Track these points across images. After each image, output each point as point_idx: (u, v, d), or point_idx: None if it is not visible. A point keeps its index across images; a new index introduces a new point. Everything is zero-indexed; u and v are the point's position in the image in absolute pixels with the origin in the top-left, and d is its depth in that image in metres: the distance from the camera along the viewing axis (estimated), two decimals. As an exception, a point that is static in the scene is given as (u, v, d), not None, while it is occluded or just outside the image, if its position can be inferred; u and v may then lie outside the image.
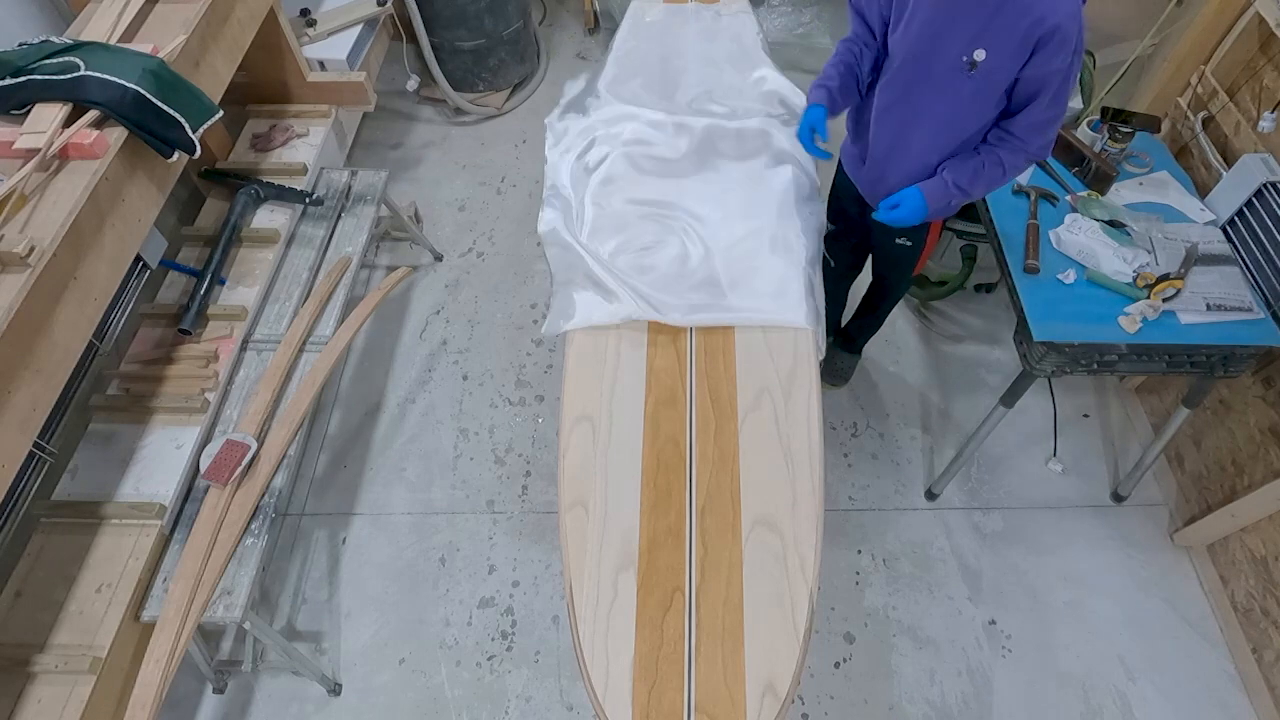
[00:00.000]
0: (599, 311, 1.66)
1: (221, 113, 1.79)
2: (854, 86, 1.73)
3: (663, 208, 1.82)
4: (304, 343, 2.03)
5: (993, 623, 2.12)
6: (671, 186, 1.87)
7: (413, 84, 3.12)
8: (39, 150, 1.44)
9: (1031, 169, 2.08)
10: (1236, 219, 1.94)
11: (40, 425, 1.41)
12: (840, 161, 2.00)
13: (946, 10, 1.47)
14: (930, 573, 2.20)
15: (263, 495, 1.75)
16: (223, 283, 2.07)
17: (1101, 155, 2.04)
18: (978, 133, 1.63)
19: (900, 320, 2.76)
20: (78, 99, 1.52)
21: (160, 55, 1.67)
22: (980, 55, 1.47)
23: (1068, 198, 2.01)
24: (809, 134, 1.73)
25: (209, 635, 1.99)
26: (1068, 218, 1.94)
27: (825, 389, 2.48)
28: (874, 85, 1.72)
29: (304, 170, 2.31)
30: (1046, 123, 1.55)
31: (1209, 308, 1.77)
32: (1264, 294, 1.83)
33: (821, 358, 1.70)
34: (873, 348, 2.63)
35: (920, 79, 1.59)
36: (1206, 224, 1.96)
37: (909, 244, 1.97)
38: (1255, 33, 2.03)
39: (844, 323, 2.54)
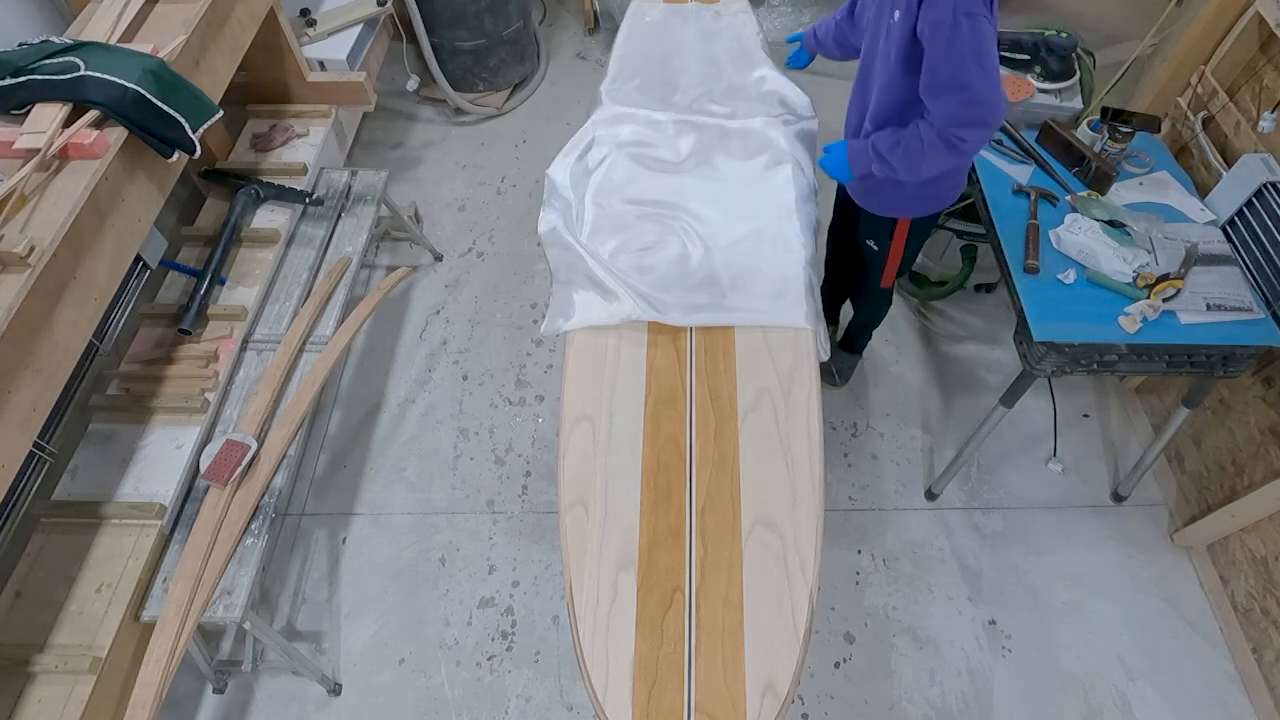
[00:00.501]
0: (599, 311, 1.65)
1: (221, 113, 1.79)
2: (832, 39, 1.98)
3: (663, 208, 1.82)
4: (304, 343, 2.03)
5: (993, 623, 2.12)
6: (671, 187, 1.87)
7: (413, 84, 3.12)
8: (39, 150, 1.44)
9: (1031, 170, 2.08)
10: (1236, 219, 1.94)
11: (40, 425, 1.41)
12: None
13: None
14: (930, 573, 2.20)
15: (263, 495, 1.75)
16: (223, 283, 2.07)
17: (1101, 155, 2.04)
18: (909, 104, 1.64)
19: (900, 320, 2.76)
20: (78, 99, 1.52)
21: (160, 55, 1.67)
22: (896, 15, 1.53)
23: (1068, 198, 2.01)
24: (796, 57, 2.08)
25: (209, 635, 1.99)
26: (1068, 218, 1.94)
27: (824, 388, 2.48)
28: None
29: (304, 170, 2.31)
30: (938, 88, 1.51)
31: (1209, 308, 1.77)
32: (1264, 294, 1.83)
33: (825, 358, 1.70)
34: (873, 348, 2.63)
35: (870, 52, 1.70)
36: (1206, 224, 1.96)
37: (875, 248, 2.03)
38: (1255, 33, 2.03)
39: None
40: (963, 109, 1.51)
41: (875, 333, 2.61)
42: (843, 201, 2.14)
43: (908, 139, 1.62)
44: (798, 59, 2.16)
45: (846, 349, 2.55)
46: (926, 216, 1.92)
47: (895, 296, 2.41)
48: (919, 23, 1.47)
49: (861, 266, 2.18)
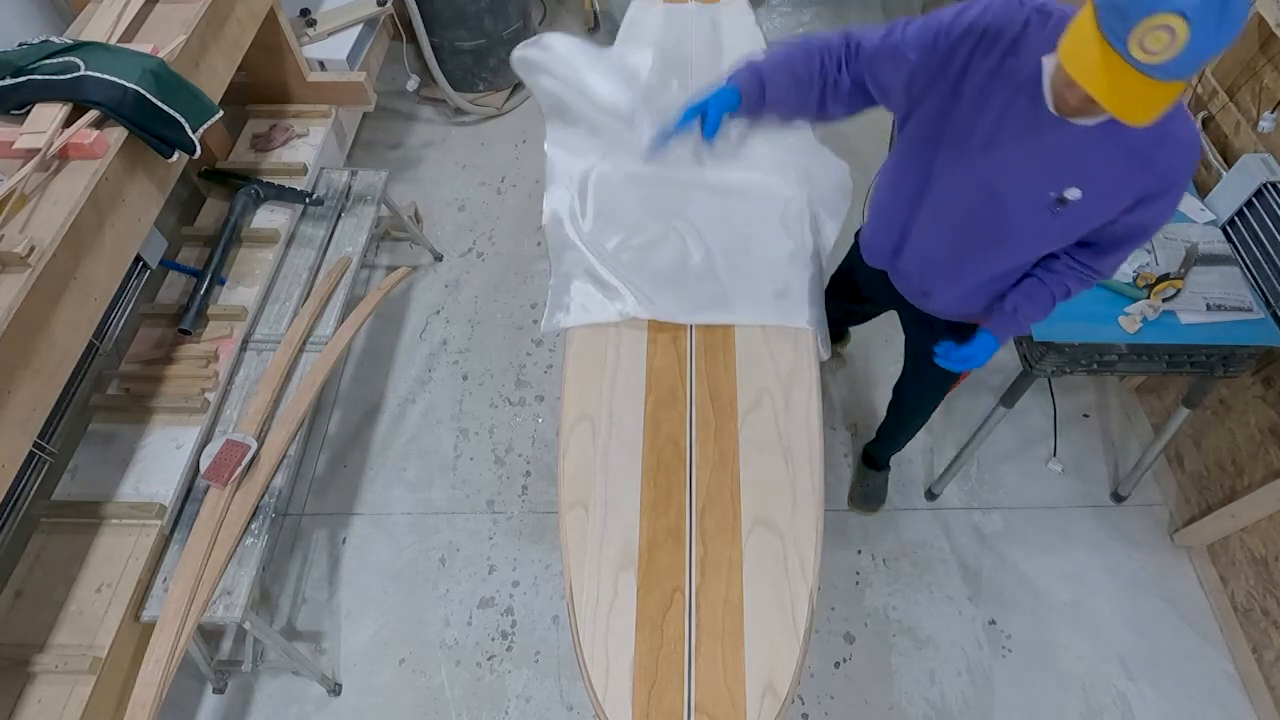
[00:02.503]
0: (598, 307, 1.66)
1: (221, 113, 1.78)
2: (795, 101, 1.37)
3: (665, 206, 1.82)
4: (304, 343, 2.03)
5: (993, 623, 2.12)
6: (673, 186, 1.86)
7: (413, 84, 3.12)
8: (39, 150, 1.44)
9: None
10: (1236, 219, 1.94)
11: (40, 425, 1.41)
12: (858, 249, 1.79)
13: (1042, 149, 1.22)
14: (930, 573, 2.20)
15: (263, 495, 1.75)
16: (223, 283, 2.07)
17: (1101, 155, 2.04)
18: (1033, 260, 1.46)
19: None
20: (78, 99, 1.52)
21: (160, 55, 1.67)
22: (1074, 194, 1.24)
23: (1068, 198, 2.00)
24: (692, 116, 1.36)
25: (209, 635, 1.99)
26: (1068, 218, 1.94)
27: (861, 513, 2.30)
28: (906, 180, 1.45)
29: (304, 170, 2.31)
30: (1117, 249, 1.38)
31: (1209, 308, 1.77)
32: (1264, 294, 1.83)
33: (825, 358, 1.70)
34: (873, 348, 2.63)
35: (989, 205, 1.34)
36: (1206, 224, 1.96)
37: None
38: (1255, 33, 2.03)
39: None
40: (1124, 262, 1.44)
41: (875, 331, 2.61)
42: (852, 286, 1.90)
43: (1058, 297, 1.46)
44: (707, 122, 1.38)
45: (872, 466, 2.29)
46: None
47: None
48: (1129, 215, 1.26)
49: (914, 371, 1.91)
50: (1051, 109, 1.17)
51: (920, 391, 1.97)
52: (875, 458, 2.29)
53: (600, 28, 3.78)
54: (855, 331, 2.60)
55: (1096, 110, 1.07)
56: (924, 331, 1.74)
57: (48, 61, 1.55)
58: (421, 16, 2.89)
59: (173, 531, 1.71)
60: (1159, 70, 0.95)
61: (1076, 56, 1.00)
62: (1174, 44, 0.92)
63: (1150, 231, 1.34)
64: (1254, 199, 1.89)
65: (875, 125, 2.85)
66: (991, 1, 1.20)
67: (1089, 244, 1.40)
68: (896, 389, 2.08)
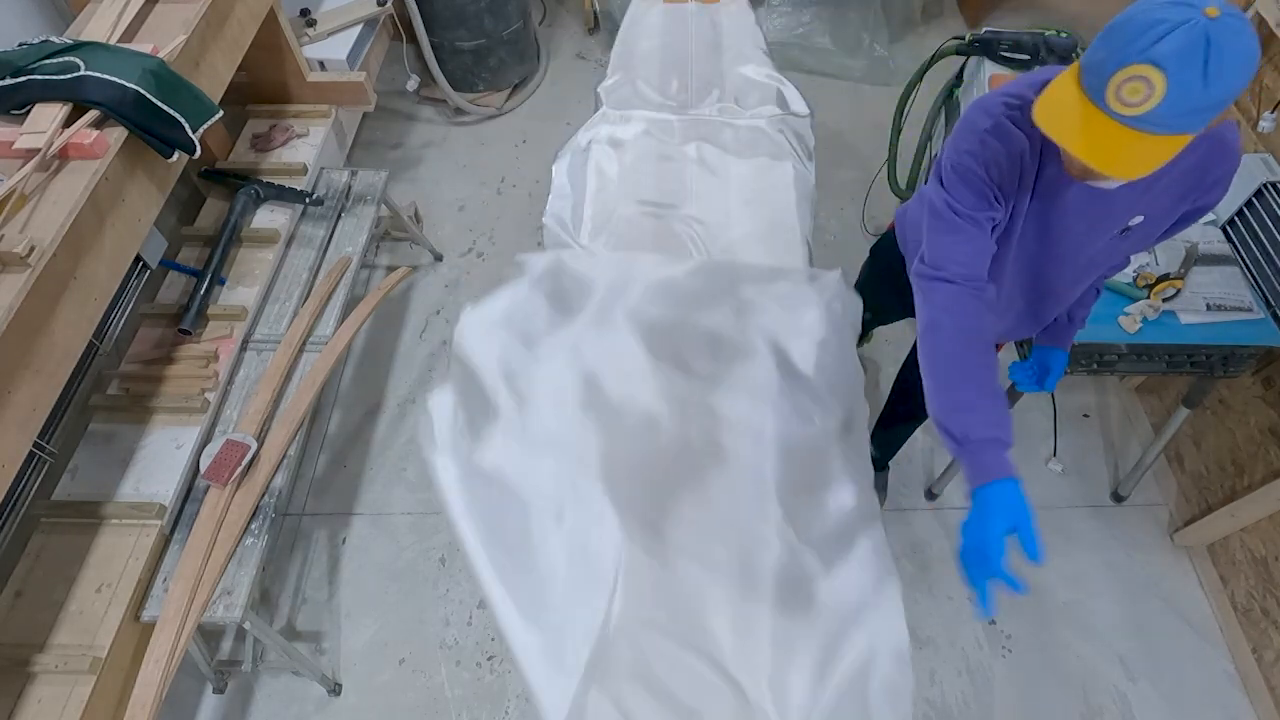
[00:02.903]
0: None
1: (221, 113, 1.78)
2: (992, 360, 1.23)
3: (662, 208, 1.81)
4: (304, 343, 2.02)
5: (993, 623, 2.12)
6: (671, 187, 1.86)
7: (413, 84, 3.12)
8: (39, 150, 1.44)
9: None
10: (1236, 219, 1.94)
11: (40, 425, 1.41)
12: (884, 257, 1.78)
13: (1106, 203, 1.21)
14: (930, 573, 2.20)
15: (263, 495, 1.75)
16: (223, 283, 2.07)
17: (1101, 155, 2.04)
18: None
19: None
20: (78, 99, 1.52)
21: (160, 55, 1.67)
22: (1137, 221, 1.25)
23: (1068, 198, 2.00)
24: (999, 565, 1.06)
25: (209, 635, 1.99)
26: (1068, 218, 1.94)
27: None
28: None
29: (304, 170, 2.31)
30: (1152, 243, 1.39)
31: (1209, 308, 1.77)
32: (1264, 294, 1.83)
33: None
34: (873, 348, 2.63)
35: (1060, 258, 1.33)
36: (1206, 224, 1.96)
37: None
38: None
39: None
40: None
41: (875, 331, 2.61)
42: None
43: (1100, 290, 1.53)
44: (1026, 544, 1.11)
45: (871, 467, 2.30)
46: None
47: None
48: (1188, 218, 1.27)
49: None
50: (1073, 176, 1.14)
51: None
52: (875, 459, 2.29)
53: (600, 28, 3.78)
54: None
55: (1094, 171, 1.02)
56: None
57: (48, 61, 1.55)
58: (421, 16, 2.89)
59: (173, 531, 1.71)
60: (1141, 122, 0.94)
61: (1055, 117, 1.00)
62: (1152, 96, 0.91)
63: (1189, 221, 1.30)
64: (1254, 199, 1.89)
65: (876, 123, 2.85)
66: (968, 146, 1.17)
67: None
68: (900, 390, 2.07)
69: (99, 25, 1.72)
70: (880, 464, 2.29)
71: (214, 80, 1.91)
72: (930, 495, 2.33)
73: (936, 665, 2.04)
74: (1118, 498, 2.34)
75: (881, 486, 2.30)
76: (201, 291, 1.98)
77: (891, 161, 2.65)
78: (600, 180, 1.87)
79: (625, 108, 2.02)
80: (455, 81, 3.24)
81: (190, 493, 1.77)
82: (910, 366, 1.96)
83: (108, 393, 1.86)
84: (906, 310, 1.62)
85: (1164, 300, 1.76)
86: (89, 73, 1.53)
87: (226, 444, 1.75)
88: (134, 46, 1.67)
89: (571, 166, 1.93)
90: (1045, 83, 1.06)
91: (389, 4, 2.70)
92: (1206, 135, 1.11)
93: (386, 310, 2.72)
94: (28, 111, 1.52)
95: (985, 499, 1.06)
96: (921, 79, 2.47)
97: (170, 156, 1.66)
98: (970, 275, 1.18)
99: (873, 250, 1.94)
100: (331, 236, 2.28)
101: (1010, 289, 1.42)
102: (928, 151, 2.54)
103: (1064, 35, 2.18)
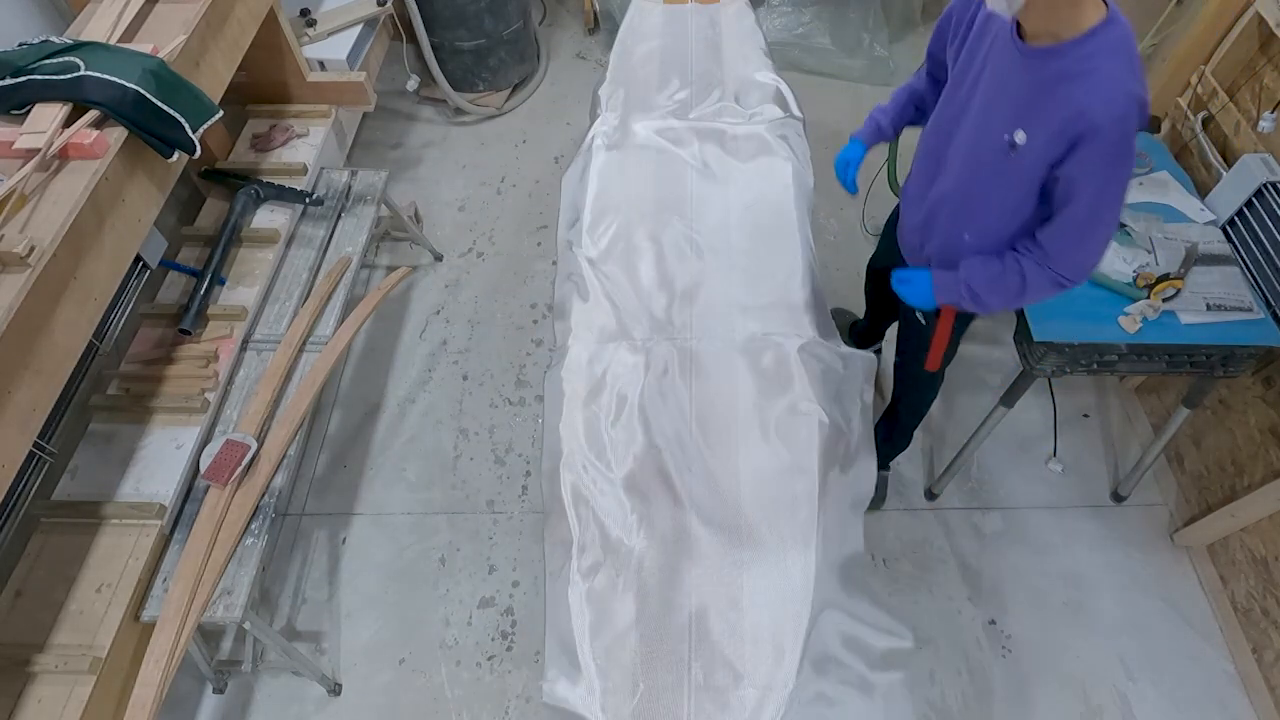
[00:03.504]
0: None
1: (221, 113, 1.78)
2: (912, 111, 1.74)
3: (661, 213, 1.81)
4: (304, 343, 2.02)
5: (993, 623, 2.12)
6: (670, 190, 1.86)
7: (413, 84, 3.12)
8: (39, 150, 1.44)
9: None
10: (1236, 219, 1.94)
11: (40, 425, 1.41)
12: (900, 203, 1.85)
13: (999, 85, 1.34)
14: (930, 573, 2.20)
15: (263, 495, 1.75)
16: (223, 283, 2.07)
17: (1101, 155, 2.04)
18: (1012, 229, 1.47)
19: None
20: (78, 99, 1.52)
21: (160, 55, 1.67)
22: (1020, 138, 1.32)
23: (1068, 198, 2.00)
24: (843, 167, 1.76)
25: (209, 635, 1.99)
26: (1068, 218, 1.94)
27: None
28: (930, 131, 1.59)
29: (304, 170, 2.31)
30: (1076, 239, 1.36)
31: (1209, 308, 1.77)
32: (1264, 294, 1.83)
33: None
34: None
35: (967, 146, 1.45)
36: (1206, 224, 1.96)
37: (922, 321, 1.78)
38: (1255, 33, 2.03)
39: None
40: (1087, 257, 1.38)
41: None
42: (893, 246, 1.89)
43: (1007, 278, 1.45)
44: (850, 166, 1.79)
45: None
46: None
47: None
48: (1064, 166, 1.29)
49: (903, 337, 1.98)
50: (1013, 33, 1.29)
51: (900, 376, 2.06)
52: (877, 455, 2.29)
53: (600, 28, 3.78)
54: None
55: (1031, 21, 1.24)
56: (911, 329, 1.83)
57: (48, 61, 1.54)
58: (421, 16, 2.89)
59: (173, 531, 1.71)
60: None
61: None
62: None
63: (1082, 192, 1.30)
64: (1254, 199, 1.88)
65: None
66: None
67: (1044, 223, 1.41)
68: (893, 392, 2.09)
69: (99, 25, 1.72)
70: (880, 464, 2.28)
71: (214, 80, 1.91)
72: (930, 495, 2.33)
73: (936, 665, 2.04)
74: (1118, 498, 2.34)
75: (881, 485, 2.30)
76: (201, 291, 1.98)
77: (891, 161, 2.65)
78: (601, 183, 1.87)
79: (625, 110, 2.02)
80: (455, 81, 3.24)
81: (190, 493, 1.77)
82: (896, 374, 2.05)
83: (108, 393, 1.86)
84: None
85: (1164, 300, 1.76)
86: (89, 73, 1.53)
87: (226, 444, 1.75)
88: (134, 46, 1.67)
89: (572, 173, 1.93)
90: None
91: (389, 4, 2.70)
92: (1095, 86, 1.20)
93: (386, 310, 2.72)
94: (28, 111, 1.52)
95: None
96: (921, 79, 2.47)
97: (170, 156, 1.66)
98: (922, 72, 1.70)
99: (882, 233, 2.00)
100: (331, 236, 2.28)
101: (921, 161, 1.61)
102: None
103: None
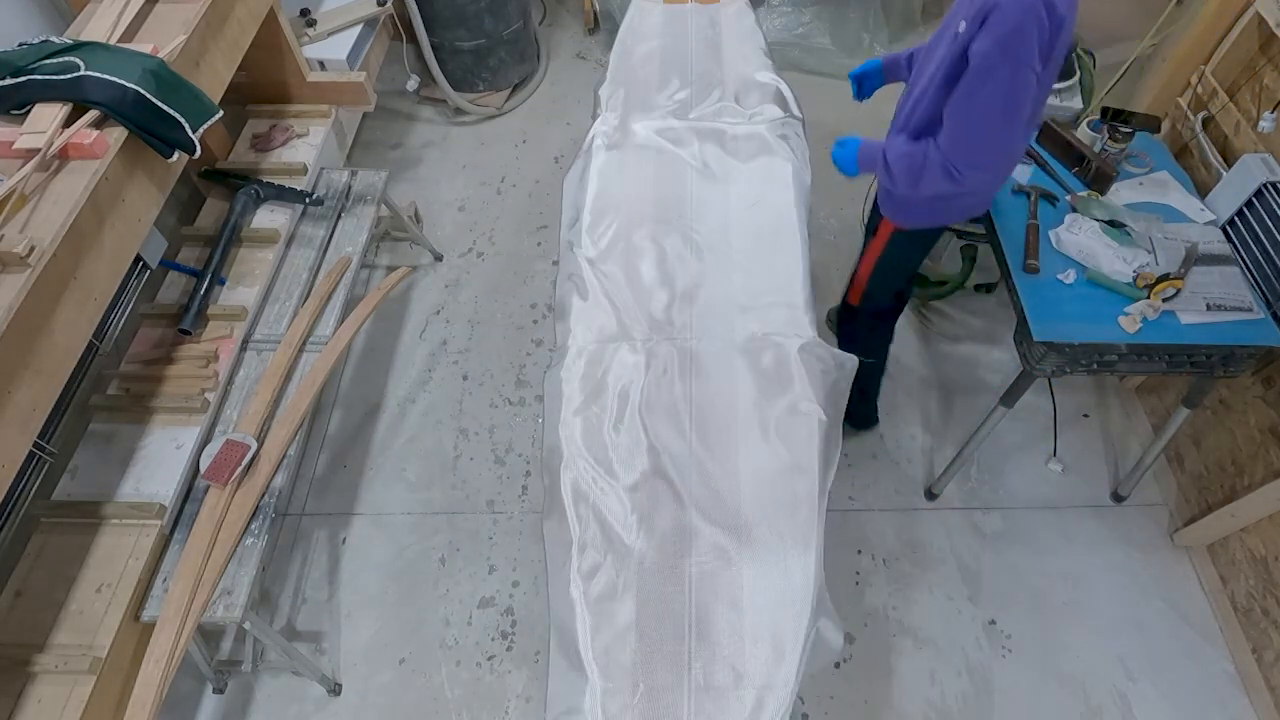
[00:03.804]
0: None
1: (221, 113, 1.78)
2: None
3: (661, 213, 1.81)
4: (304, 343, 2.03)
5: (993, 623, 2.12)
6: (670, 190, 1.86)
7: (413, 84, 3.12)
8: (39, 150, 1.44)
9: (1031, 170, 2.08)
10: (1236, 219, 1.94)
11: (40, 425, 1.41)
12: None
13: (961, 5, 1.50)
14: (930, 573, 2.20)
15: (263, 495, 1.75)
16: (223, 283, 2.07)
17: (1101, 155, 2.04)
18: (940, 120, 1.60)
19: (900, 320, 2.75)
20: (78, 99, 1.52)
21: (160, 55, 1.67)
22: (961, 27, 1.47)
23: (1068, 198, 2.01)
24: (858, 77, 1.89)
25: (209, 635, 1.99)
26: (1068, 218, 1.94)
27: (848, 434, 2.35)
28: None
29: (304, 170, 2.31)
30: (963, 124, 1.49)
31: (1209, 308, 1.77)
32: (1264, 294, 1.83)
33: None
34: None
35: (928, 55, 1.64)
36: (1206, 224, 1.96)
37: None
38: (1255, 33, 2.03)
39: None
40: (970, 147, 1.51)
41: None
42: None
43: (914, 154, 1.60)
44: (866, 86, 1.97)
45: (862, 427, 2.46)
46: (914, 232, 1.85)
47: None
48: (975, 40, 1.42)
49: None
50: None
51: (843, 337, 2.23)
52: (861, 417, 2.40)
53: (600, 28, 3.78)
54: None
55: None
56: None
57: (48, 61, 1.55)
58: (421, 16, 2.90)
59: (173, 531, 1.71)
60: None
61: None
62: None
63: (973, 68, 1.42)
64: (1254, 199, 1.88)
65: (876, 122, 2.83)
66: None
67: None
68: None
69: (99, 25, 1.72)
70: (871, 421, 2.42)
71: (214, 80, 1.91)
72: (930, 495, 2.34)
73: (936, 665, 2.04)
74: (1118, 498, 2.34)
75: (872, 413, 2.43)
76: (201, 291, 1.98)
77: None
78: (600, 183, 1.87)
79: (625, 110, 2.02)
80: (455, 81, 3.24)
81: (190, 493, 1.77)
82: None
83: (108, 393, 1.86)
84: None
85: (1164, 300, 1.76)
86: (89, 73, 1.53)
87: (226, 444, 1.75)
88: (134, 46, 1.67)
89: (573, 174, 1.93)
90: None
91: (389, 4, 2.70)
92: None
93: (386, 310, 2.73)
94: (28, 111, 1.52)
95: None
96: (921, 79, 2.47)
97: (170, 156, 1.66)
98: None
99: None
100: (331, 236, 2.28)
101: (908, 86, 1.72)
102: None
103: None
